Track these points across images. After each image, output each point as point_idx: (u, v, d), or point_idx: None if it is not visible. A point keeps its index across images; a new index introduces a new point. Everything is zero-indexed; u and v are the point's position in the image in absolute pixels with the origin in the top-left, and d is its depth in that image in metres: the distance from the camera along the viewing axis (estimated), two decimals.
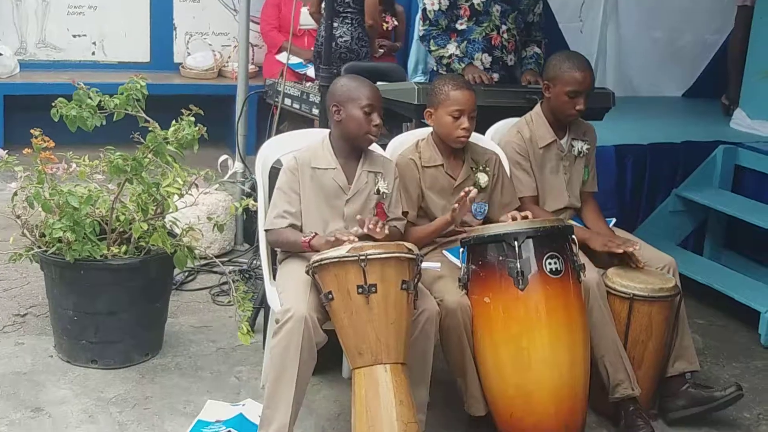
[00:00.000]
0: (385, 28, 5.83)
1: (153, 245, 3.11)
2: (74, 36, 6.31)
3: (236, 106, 4.49)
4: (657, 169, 4.55)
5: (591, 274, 2.96)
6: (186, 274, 4.10)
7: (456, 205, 2.87)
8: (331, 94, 2.90)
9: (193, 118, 3.02)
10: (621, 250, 3.05)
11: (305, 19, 5.92)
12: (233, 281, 3.24)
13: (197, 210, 4.23)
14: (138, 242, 3.16)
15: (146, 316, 3.28)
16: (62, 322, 3.21)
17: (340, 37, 5.26)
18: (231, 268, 4.21)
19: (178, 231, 3.27)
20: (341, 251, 2.52)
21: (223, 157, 4.56)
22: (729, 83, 5.57)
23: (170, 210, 3.02)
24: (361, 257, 2.48)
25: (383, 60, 5.58)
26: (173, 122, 3.06)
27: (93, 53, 6.41)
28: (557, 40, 5.42)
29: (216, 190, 4.47)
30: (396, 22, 5.85)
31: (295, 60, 5.96)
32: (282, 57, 6.07)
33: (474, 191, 2.86)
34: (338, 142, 2.90)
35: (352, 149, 2.90)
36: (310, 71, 5.84)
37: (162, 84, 6.29)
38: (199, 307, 3.84)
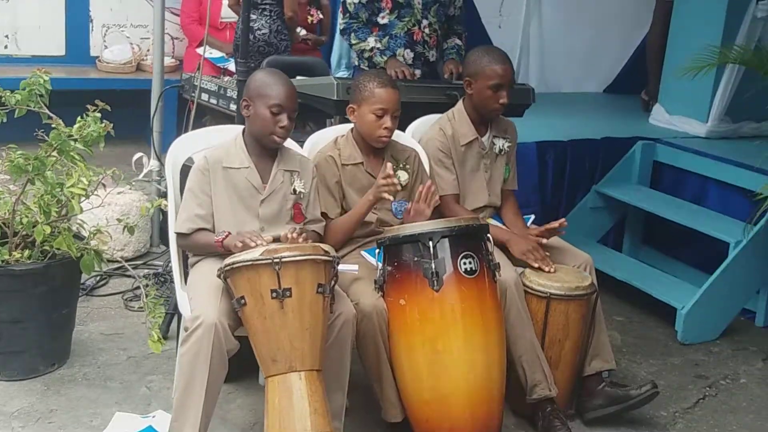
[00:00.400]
0: (309, 21, 5.74)
1: (58, 249, 2.97)
2: None
3: (151, 102, 4.33)
4: (577, 165, 4.58)
5: (509, 273, 2.95)
6: (97, 278, 3.94)
7: (382, 180, 2.80)
8: (245, 88, 2.81)
9: (99, 114, 2.88)
10: (536, 266, 3.04)
11: (226, 11, 5.78)
12: (144, 286, 3.11)
13: (110, 210, 4.10)
14: (42, 246, 3.01)
15: (52, 324, 3.12)
16: None
17: (259, 29, 5.14)
18: (145, 271, 4.09)
19: (86, 233, 3.13)
20: (254, 254, 2.43)
21: (138, 154, 4.44)
22: (648, 79, 5.65)
23: (75, 212, 2.87)
24: (275, 260, 2.39)
25: (308, 54, 5.48)
26: (78, 118, 2.92)
27: (6, 47, 6.13)
28: (480, 35, 5.43)
29: (131, 189, 4.32)
30: (321, 15, 5.75)
31: (216, 54, 5.81)
32: (202, 50, 5.93)
33: (391, 173, 2.81)
34: (251, 141, 2.80)
35: (266, 149, 2.81)
36: (232, 65, 5.69)
37: (78, 78, 6.11)
38: (111, 314, 3.69)
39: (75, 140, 2.83)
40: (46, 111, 2.90)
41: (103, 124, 2.86)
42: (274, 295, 2.40)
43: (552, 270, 3.03)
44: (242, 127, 2.87)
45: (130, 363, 3.28)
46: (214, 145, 2.87)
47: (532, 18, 5.81)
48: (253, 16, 5.14)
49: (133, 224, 3.25)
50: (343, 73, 5.27)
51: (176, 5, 6.35)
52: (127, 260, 4.23)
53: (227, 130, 3.10)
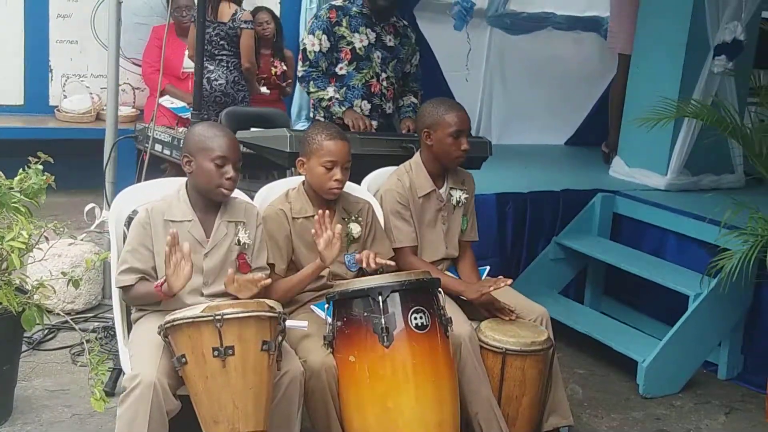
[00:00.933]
0: (273, 73, 5.73)
1: None
2: None
3: (104, 152, 4.26)
4: (537, 217, 4.57)
5: (464, 327, 2.89)
6: (44, 331, 3.82)
7: (320, 240, 2.73)
8: (184, 144, 2.74)
9: (41, 167, 2.80)
10: (492, 289, 2.98)
11: (188, 62, 5.76)
12: (87, 341, 3.01)
13: (59, 262, 3.99)
14: None
15: None
16: None
17: (215, 80, 5.13)
18: (95, 324, 3.98)
19: (29, 287, 3.03)
20: (195, 311, 2.35)
21: (90, 205, 4.36)
22: (609, 131, 5.69)
23: (14, 266, 2.77)
24: (217, 317, 2.32)
25: (272, 105, 5.46)
26: (20, 170, 2.84)
27: None
28: (441, 88, 5.45)
29: (82, 240, 4.23)
30: (285, 67, 5.75)
31: (178, 104, 5.79)
32: (165, 100, 5.89)
33: (338, 228, 2.76)
34: (194, 194, 2.74)
35: (209, 200, 2.74)
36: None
37: (36, 128, 6.03)
38: (57, 369, 3.57)
39: (17, 192, 2.73)
40: None
41: (44, 177, 2.77)
42: (216, 353, 2.32)
43: (513, 317, 2.97)
44: (184, 179, 2.80)
45: (73, 421, 3.16)
46: (157, 197, 2.80)
47: (494, 71, 5.85)
48: (210, 67, 5.13)
49: (79, 277, 3.16)
50: (303, 125, 5.26)
51: (138, 56, 6.34)
52: (77, 312, 4.16)
53: (169, 183, 3.03)
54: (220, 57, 5.15)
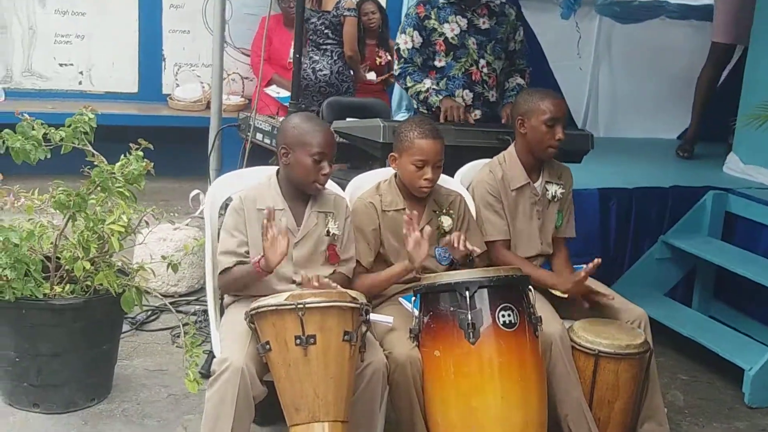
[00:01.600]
0: (378, 63, 5.74)
1: (100, 285, 2.97)
2: (61, 65, 6.26)
3: (209, 140, 4.37)
4: (643, 214, 4.38)
5: (555, 326, 2.81)
6: (149, 313, 3.95)
7: (408, 240, 2.70)
8: (281, 134, 2.75)
9: (141, 153, 2.88)
10: (584, 275, 2.92)
11: None
12: (184, 324, 3.08)
13: (164, 246, 4.12)
14: (85, 282, 3.02)
15: (92, 359, 3.12)
16: (3, 363, 3.06)
17: (320, 70, 5.17)
18: (197, 307, 4.08)
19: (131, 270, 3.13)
20: (279, 299, 2.37)
21: (195, 191, 4.48)
22: (691, 124, 5.48)
23: (114, 249, 2.86)
24: (299, 305, 2.32)
25: (376, 95, 5.46)
26: (121, 156, 2.93)
27: (80, 83, 6.34)
28: (546, 79, 5.32)
29: (187, 225, 4.36)
30: (389, 57, 5.74)
31: (284, 93, 5.86)
32: (271, 90, 5.99)
33: (428, 230, 2.71)
34: (286, 183, 2.76)
35: (301, 191, 2.76)
36: None
37: (149, 115, 6.25)
38: (157, 349, 3.68)
39: (117, 178, 2.82)
40: (90, 148, 2.92)
41: (143, 163, 2.85)
42: (298, 341, 2.33)
43: (611, 297, 2.88)
44: (276, 168, 2.83)
45: (169, 401, 3.25)
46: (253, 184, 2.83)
47: (603, 62, 5.66)
48: (315, 57, 5.17)
49: (178, 261, 3.23)
50: (403, 115, 5.23)
51: (247, 46, 6.46)
52: (180, 295, 4.29)
53: (263, 171, 3.04)
54: (324, 47, 5.19)
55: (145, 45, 6.39)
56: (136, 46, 6.38)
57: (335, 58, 5.18)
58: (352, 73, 5.29)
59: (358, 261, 2.85)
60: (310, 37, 5.27)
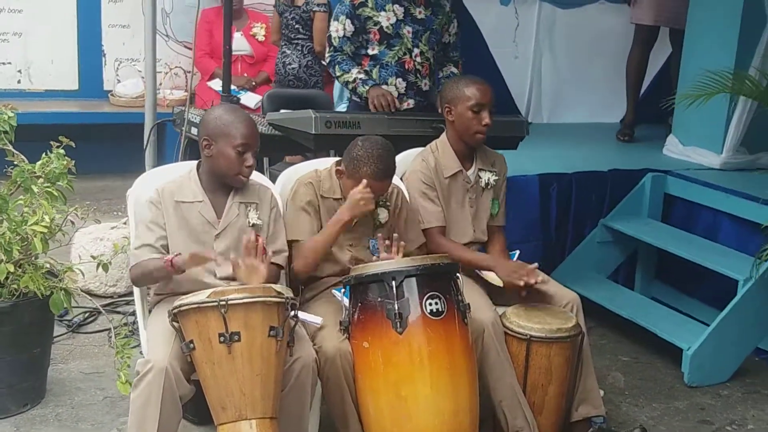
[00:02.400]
0: None
1: (26, 288, 2.91)
2: None
3: (144, 135, 4.30)
4: (583, 198, 4.40)
5: (487, 313, 2.82)
6: (85, 314, 3.89)
7: (357, 193, 2.76)
8: (203, 126, 2.70)
9: (62, 151, 2.82)
10: (522, 283, 2.90)
11: (238, 44, 5.78)
12: (115, 327, 3.04)
13: (101, 246, 4.06)
14: (11, 285, 2.95)
15: (23, 364, 3.06)
16: None
17: (289, 64, 5.29)
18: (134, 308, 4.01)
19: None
20: (201, 296, 2.33)
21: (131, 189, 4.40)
22: (627, 110, 5.54)
23: (37, 250, 2.80)
24: (222, 302, 2.29)
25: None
26: (43, 155, 2.87)
27: (19, 81, 6.21)
28: (489, 67, 5.32)
29: (125, 224, 4.28)
30: None
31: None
32: (214, 84, 5.92)
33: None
34: (206, 176, 2.72)
35: (229, 185, 2.72)
36: (244, 98, 5.70)
37: (91, 112, 6.15)
38: (94, 352, 3.62)
39: (37, 177, 2.75)
40: (10, 147, 2.85)
41: (65, 161, 2.79)
42: (222, 339, 2.30)
43: (540, 279, 2.90)
44: (196, 161, 2.78)
45: (105, 404, 3.21)
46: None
47: (544, 47, 5.67)
48: (287, 51, 5.27)
49: (108, 261, 3.18)
50: (344, 106, 5.19)
51: (189, 39, 6.37)
52: (119, 295, 4.22)
53: (182, 165, 3.00)
54: (296, 41, 5.25)
55: (84, 41, 6.27)
56: (75, 43, 6.25)
57: (305, 52, 5.26)
58: (321, 67, 5.29)
59: (296, 242, 2.83)
60: (283, 32, 5.37)
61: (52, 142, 2.87)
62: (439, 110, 3.78)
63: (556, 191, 4.34)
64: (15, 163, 2.85)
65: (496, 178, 3.25)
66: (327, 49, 3.81)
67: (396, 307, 2.48)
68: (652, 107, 5.46)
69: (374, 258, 2.91)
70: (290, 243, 2.83)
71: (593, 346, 3.89)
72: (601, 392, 3.14)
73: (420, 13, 3.78)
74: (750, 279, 3.65)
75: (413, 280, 2.52)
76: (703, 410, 3.47)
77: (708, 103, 3.86)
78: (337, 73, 3.77)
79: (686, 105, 3.90)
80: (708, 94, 3.75)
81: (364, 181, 2.75)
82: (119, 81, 6.35)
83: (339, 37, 3.73)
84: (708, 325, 3.73)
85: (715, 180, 4.37)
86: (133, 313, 3.89)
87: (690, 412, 3.45)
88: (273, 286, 2.43)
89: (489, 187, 3.23)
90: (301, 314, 2.56)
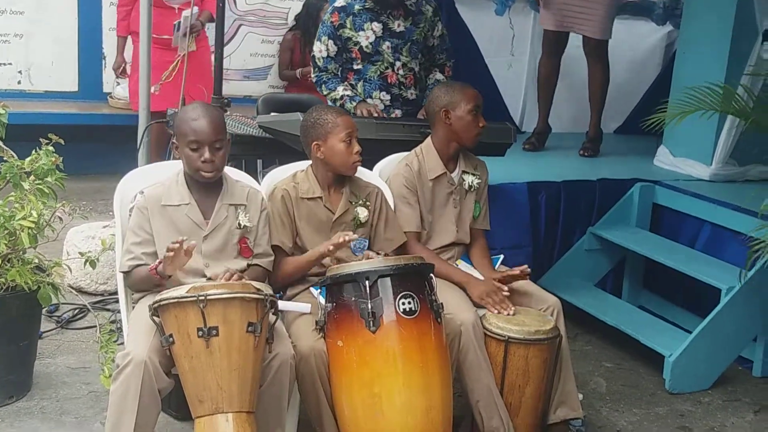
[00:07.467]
0: None
1: (13, 281, 2.95)
2: None
3: (138, 136, 4.36)
4: (572, 206, 4.44)
5: (467, 315, 2.86)
6: (75, 311, 3.93)
7: (331, 247, 2.75)
8: (173, 129, 2.77)
9: (52, 148, 2.87)
10: (495, 311, 2.94)
11: None
12: (101, 323, 3.08)
13: (92, 243, 4.10)
14: None
15: (9, 356, 3.11)
16: None
17: None
18: None
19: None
20: (181, 291, 2.38)
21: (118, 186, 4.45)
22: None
23: (24, 245, 2.85)
24: (201, 297, 2.34)
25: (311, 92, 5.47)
26: (33, 152, 2.92)
27: (19, 82, 6.27)
28: (485, 77, 5.36)
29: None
30: None
31: None
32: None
33: (352, 236, 2.75)
34: (189, 177, 2.76)
35: (209, 184, 2.76)
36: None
37: (90, 114, 6.20)
38: (82, 347, 3.67)
39: (28, 173, 2.81)
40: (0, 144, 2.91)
41: (53, 158, 2.84)
42: (200, 334, 2.34)
43: (511, 312, 2.92)
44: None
45: (89, 398, 3.25)
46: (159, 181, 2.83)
47: (537, 58, 5.69)
48: None
49: (96, 257, 3.23)
50: None
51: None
52: (110, 293, 4.26)
53: (174, 165, 2.99)
54: None
55: (84, 43, 6.33)
56: (75, 45, 6.31)
57: None
58: None
59: (280, 247, 2.87)
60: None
61: (41, 139, 2.92)
62: (424, 116, 3.85)
63: (545, 199, 4.38)
64: (5, 159, 2.89)
65: (479, 181, 3.31)
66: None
67: (369, 307, 2.52)
68: (645, 117, 5.52)
69: (356, 257, 2.96)
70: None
71: (578, 352, 3.96)
72: (580, 396, 3.19)
73: (399, 26, 3.79)
74: (733, 288, 3.68)
75: (387, 279, 2.56)
76: (683, 416, 3.50)
77: (698, 115, 3.90)
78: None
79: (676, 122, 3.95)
80: (693, 111, 3.79)
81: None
82: (118, 83, 6.40)
83: (323, 58, 3.80)
84: (690, 333, 3.76)
85: (701, 190, 4.41)
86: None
87: (669, 418, 3.48)
88: (252, 282, 2.48)
89: (472, 189, 3.28)
90: (289, 303, 2.60)
